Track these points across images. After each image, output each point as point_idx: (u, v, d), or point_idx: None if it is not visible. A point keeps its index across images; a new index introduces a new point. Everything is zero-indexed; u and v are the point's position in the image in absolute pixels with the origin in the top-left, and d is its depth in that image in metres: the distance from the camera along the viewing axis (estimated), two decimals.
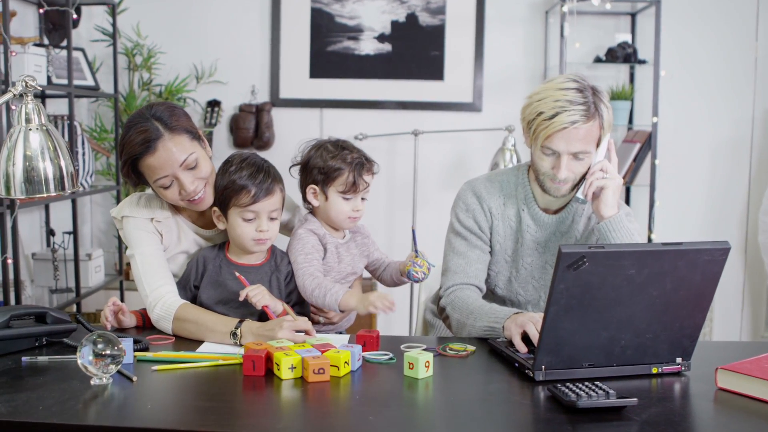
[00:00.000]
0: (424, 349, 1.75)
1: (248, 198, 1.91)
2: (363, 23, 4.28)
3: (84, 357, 1.52)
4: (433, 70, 4.31)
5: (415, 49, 4.29)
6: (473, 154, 4.28)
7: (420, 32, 4.28)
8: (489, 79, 4.24)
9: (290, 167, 2.12)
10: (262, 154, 4.46)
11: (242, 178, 1.92)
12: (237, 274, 1.91)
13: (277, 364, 1.59)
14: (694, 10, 4.15)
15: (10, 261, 2.75)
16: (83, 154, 3.39)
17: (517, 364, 1.65)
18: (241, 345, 1.79)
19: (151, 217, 2.00)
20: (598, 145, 2.00)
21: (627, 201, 4.23)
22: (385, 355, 1.73)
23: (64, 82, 3.44)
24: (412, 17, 4.28)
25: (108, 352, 1.53)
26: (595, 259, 1.46)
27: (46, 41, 3.47)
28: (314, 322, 2.09)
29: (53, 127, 1.62)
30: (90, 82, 3.60)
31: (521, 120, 2.04)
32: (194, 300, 1.98)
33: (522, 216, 2.11)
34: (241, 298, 1.86)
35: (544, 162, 2.00)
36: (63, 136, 3.31)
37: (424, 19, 4.27)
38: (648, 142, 3.90)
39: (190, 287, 2.00)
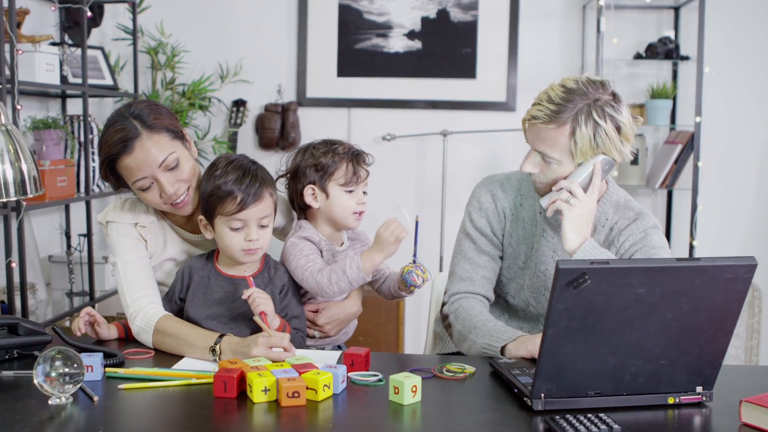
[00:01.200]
0: (414, 370, 1.60)
1: (234, 205, 1.77)
2: (392, 20, 4.14)
3: (39, 375, 1.40)
4: (465, 68, 4.14)
5: (447, 47, 4.13)
6: (506, 156, 4.10)
7: (451, 29, 4.11)
8: (523, 77, 4.06)
9: (277, 178, 1.99)
10: (288, 155, 4.38)
11: (227, 184, 1.78)
12: (247, 275, 1.78)
13: (250, 386, 1.46)
14: (740, 3, 3.90)
15: (14, 264, 2.68)
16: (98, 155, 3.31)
17: (516, 390, 1.49)
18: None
19: (135, 222, 1.89)
20: (575, 158, 1.80)
21: (668, 206, 4.00)
22: (374, 376, 1.58)
23: (91, 82, 3.38)
24: (443, 13, 4.12)
25: (66, 370, 1.41)
26: (599, 276, 1.29)
27: (67, 39, 3.42)
28: (309, 337, 1.96)
29: (15, 128, 1.51)
30: (108, 81, 3.53)
31: None
32: (180, 313, 1.85)
33: (538, 219, 1.95)
34: (244, 296, 1.72)
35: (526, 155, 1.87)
36: (78, 135, 3.24)
37: (456, 14, 4.11)
38: (690, 143, 3.66)
39: (175, 300, 1.88)
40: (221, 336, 1.70)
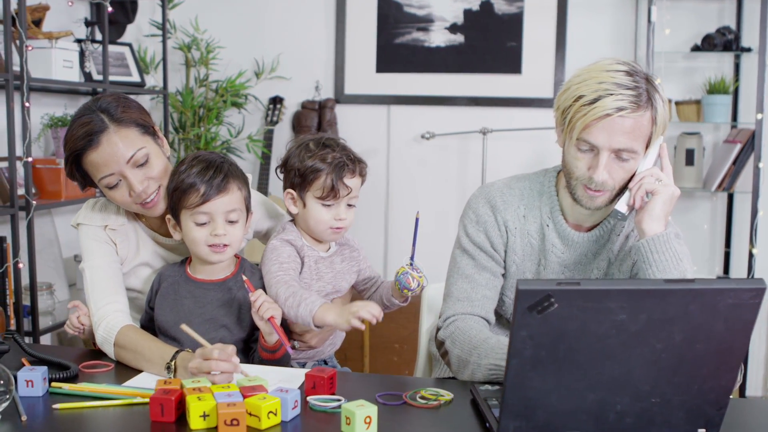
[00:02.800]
0: (385, 395, 1.42)
1: (197, 197, 1.64)
2: (433, 13, 3.95)
3: None
4: (510, 62, 3.92)
5: (490, 40, 3.92)
6: (551, 155, 3.83)
7: (496, 21, 3.90)
8: (572, 72, 3.79)
9: (276, 168, 1.85)
10: None
11: (190, 176, 1.66)
12: (244, 278, 1.64)
13: (188, 410, 1.32)
14: None
15: (21, 265, 2.62)
16: None
17: (488, 424, 1.30)
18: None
19: (104, 225, 1.78)
20: (648, 146, 1.61)
21: (728, 210, 3.69)
22: (336, 401, 1.42)
23: (115, 78, 3.33)
24: (486, 5, 3.91)
25: None
26: (568, 300, 1.09)
27: (92, 36, 3.37)
28: (291, 348, 1.80)
29: None
30: (136, 78, 3.46)
31: (555, 110, 1.67)
32: (153, 321, 1.74)
33: (546, 232, 1.74)
34: (253, 308, 1.58)
35: (578, 162, 1.62)
36: None
37: (500, 6, 3.89)
38: (750, 142, 3.35)
39: (147, 308, 1.76)
40: (178, 351, 1.56)
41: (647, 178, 1.59)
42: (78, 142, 1.66)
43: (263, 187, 3.89)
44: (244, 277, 1.63)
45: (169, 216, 1.71)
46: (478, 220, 1.77)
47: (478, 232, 1.76)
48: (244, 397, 1.34)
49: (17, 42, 2.61)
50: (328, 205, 1.75)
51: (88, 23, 3.17)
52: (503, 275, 1.79)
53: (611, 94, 1.53)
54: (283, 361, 1.66)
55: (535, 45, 3.86)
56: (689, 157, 3.53)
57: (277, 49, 4.06)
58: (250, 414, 1.31)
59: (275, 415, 1.32)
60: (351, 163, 1.75)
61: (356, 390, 1.51)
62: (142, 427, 1.33)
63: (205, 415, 1.31)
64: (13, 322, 2.61)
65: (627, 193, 1.61)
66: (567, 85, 1.62)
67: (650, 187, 1.58)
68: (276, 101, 4.03)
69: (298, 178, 1.75)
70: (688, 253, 1.64)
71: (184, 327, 1.55)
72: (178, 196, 1.67)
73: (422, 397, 1.46)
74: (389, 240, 4.09)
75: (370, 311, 1.54)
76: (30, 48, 2.64)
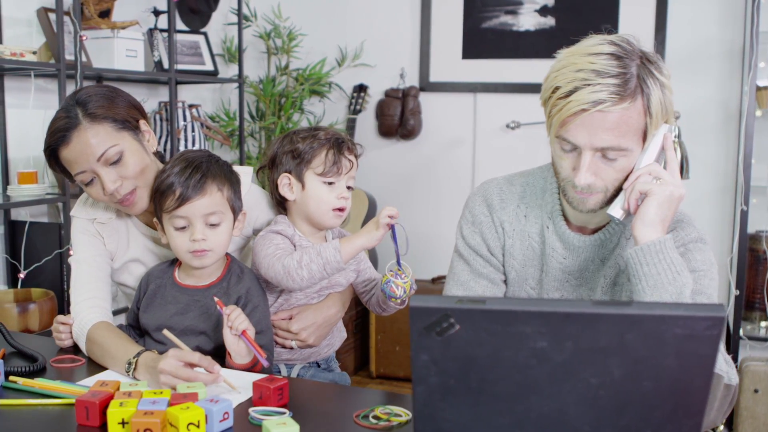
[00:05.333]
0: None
1: (173, 200, 1.56)
2: None
3: None
4: None
5: (583, 23, 3.63)
6: None
7: (589, 3, 3.62)
8: (673, 56, 3.47)
9: (258, 169, 1.77)
10: (407, 143, 4.16)
11: (169, 177, 1.57)
12: (216, 299, 1.54)
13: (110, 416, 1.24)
14: None
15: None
16: (191, 141, 3.26)
17: None
18: (135, 378, 1.47)
19: (93, 218, 1.74)
20: (645, 139, 1.38)
21: None
22: (280, 414, 1.30)
23: (187, 67, 3.35)
24: None
25: None
26: (472, 321, 0.92)
27: (177, 25, 3.40)
28: (287, 348, 1.70)
29: None
30: (209, 66, 3.47)
31: (541, 102, 1.47)
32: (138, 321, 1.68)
33: (546, 235, 1.54)
34: (227, 322, 1.49)
35: (562, 161, 1.42)
36: (160, 120, 3.20)
37: None
38: None
39: (134, 308, 1.71)
40: (142, 351, 1.49)
41: (643, 176, 1.36)
42: (52, 137, 1.62)
43: None
44: (216, 299, 1.54)
45: (155, 219, 1.64)
46: (473, 221, 1.59)
47: (474, 234, 1.59)
48: (170, 404, 1.25)
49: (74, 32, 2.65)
50: (330, 183, 1.66)
51: (156, 12, 3.18)
52: (505, 281, 1.60)
53: (588, 85, 1.31)
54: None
55: (633, 27, 3.53)
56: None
57: (361, 35, 3.96)
58: (171, 425, 1.21)
59: (197, 427, 1.22)
60: (348, 141, 1.69)
61: (313, 403, 1.39)
62: (67, 430, 1.26)
63: (123, 423, 1.23)
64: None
65: (622, 195, 1.38)
66: (548, 71, 1.41)
67: (644, 188, 1.34)
68: (361, 89, 3.94)
69: (294, 160, 1.66)
70: (707, 263, 1.39)
71: (166, 332, 1.49)
72: (158, 199, 1.60)
73: (375, 417, 1.31)
74: None
75: (388, 213, 1.52)
76: (85, 38, 2.68)
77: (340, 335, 1.80)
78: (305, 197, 1.66)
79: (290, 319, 1.70)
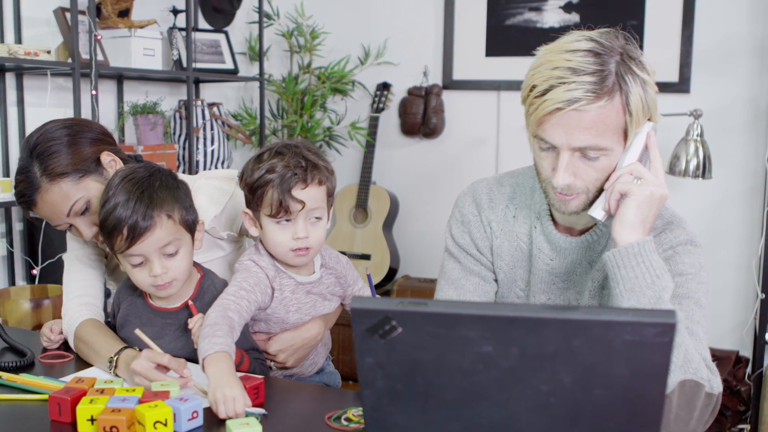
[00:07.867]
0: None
1: (122, 240, 1.44)
2: None
3: None
4: None
5: (608, 19, 3.55)
6: (673, 144, 3.45)
7: None
8: (701, 54, 3.37)
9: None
10: (430, 142, 4.12)
11: (115, 210, 1.44)
12: (190, 303, 1.52)
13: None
14: None
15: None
16: (210, 140, 3.28)
17: None
18: (117, 375, 1.48)
19: None
20: (627, 138, 1.34)
21: None
22: (252, 413, 1.29)
23: (207, 65, 3.37)
24: None
25: None
26: (414, 324, 0.90)
27: (199, 24, 3.43)
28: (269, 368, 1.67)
29: None
30: (229, 65, 3.49)
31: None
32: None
33: (534, 235, 1.50)
34: (190, 326, 1.49)
35: (542, 161, 1.38)
36: (179, 119, 3.22)
37: None
38: None
39: (112, 322, 1.67)
40: (125, 348, 1.50)
41: (624, 176, 1.31)
42: (18, 199, 1.62)
43: (366, 176, 3.78)
44: (191, 303, 1.52)
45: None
46: (462, 221, 1.57)
47: (463, 233, 1.56)
48: (140, 402, 1.25)
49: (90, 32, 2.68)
50: (284, 223, 1.52)
51: (175, 12, 3.21)
52: (496, 281, 1.57)
53: (563, 83, 1.27)
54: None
55: (659, 23, 3.46)
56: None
57: (384, 33, 3.94)
58: (139, 422, 1.21)
59: (164, 425, 1.21)
60: (302, 172, 1.49)
61: (288, 403, 1.38)
62: (41, 426, 1.27)
63: (92, 419, 1.23)
64: None
65: (603, 195, 1.34)
66: (528, 70, 1.37)
67: (623, 188, 1.30)
68: (384, 87, 3.92)
69: (249, 195, 1.54)
70: (695, 267, 1.34)
71: (138, 332, 1.48)
72: (105, 237, 1.48)
73: (347, 419, 1.30)
74: None
75: (229, 410, 1.24)
76: (100, 37, 2.71)
77: (324, 350, 1.74)
78: (264, 237, 1.55)
79: (269, 339, 1.63)
